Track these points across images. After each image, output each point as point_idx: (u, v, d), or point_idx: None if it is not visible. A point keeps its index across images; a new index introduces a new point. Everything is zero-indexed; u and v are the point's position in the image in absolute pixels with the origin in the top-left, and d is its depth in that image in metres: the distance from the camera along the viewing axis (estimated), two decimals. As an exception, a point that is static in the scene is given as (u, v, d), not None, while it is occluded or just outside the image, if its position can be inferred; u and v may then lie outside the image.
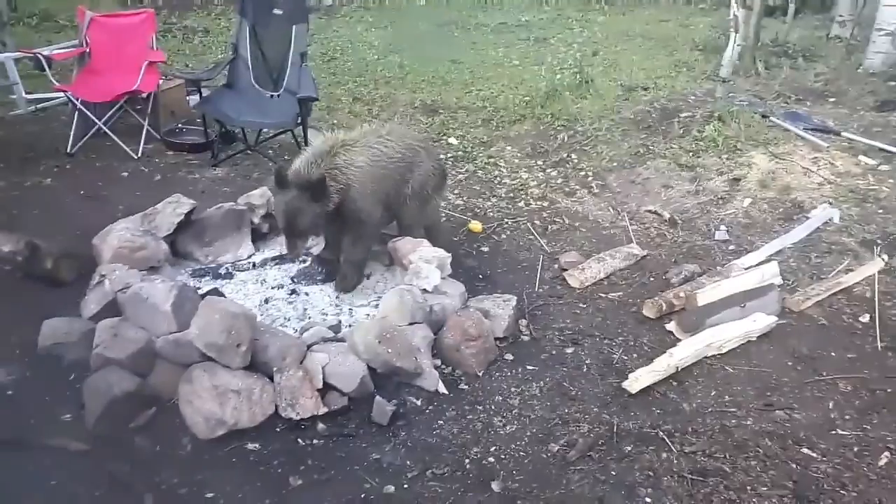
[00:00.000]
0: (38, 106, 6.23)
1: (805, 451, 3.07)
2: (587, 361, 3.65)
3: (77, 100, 5.43)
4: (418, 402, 3.27)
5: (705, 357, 3.65)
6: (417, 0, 13.26)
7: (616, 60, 9.06)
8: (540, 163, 6.10)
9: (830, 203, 5.16)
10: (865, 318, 4.02)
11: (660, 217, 5.22)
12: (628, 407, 3.33)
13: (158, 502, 2.63)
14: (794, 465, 2.98)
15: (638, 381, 3.41)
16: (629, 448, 3.07)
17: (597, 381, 3.51)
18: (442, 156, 6.12)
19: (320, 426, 3.05)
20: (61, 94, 5.69)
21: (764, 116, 6.42)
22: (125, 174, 5.25)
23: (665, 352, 3.60)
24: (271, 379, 3.10)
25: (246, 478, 2.79)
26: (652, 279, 4.45)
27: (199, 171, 5.40)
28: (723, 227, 5.04)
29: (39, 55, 5.52)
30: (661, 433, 3.14)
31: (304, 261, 4.17)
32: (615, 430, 3.17)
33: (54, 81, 5.51)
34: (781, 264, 4.44)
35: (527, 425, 3.19)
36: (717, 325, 3.81)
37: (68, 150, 5.40)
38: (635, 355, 3.72)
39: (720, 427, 3.19)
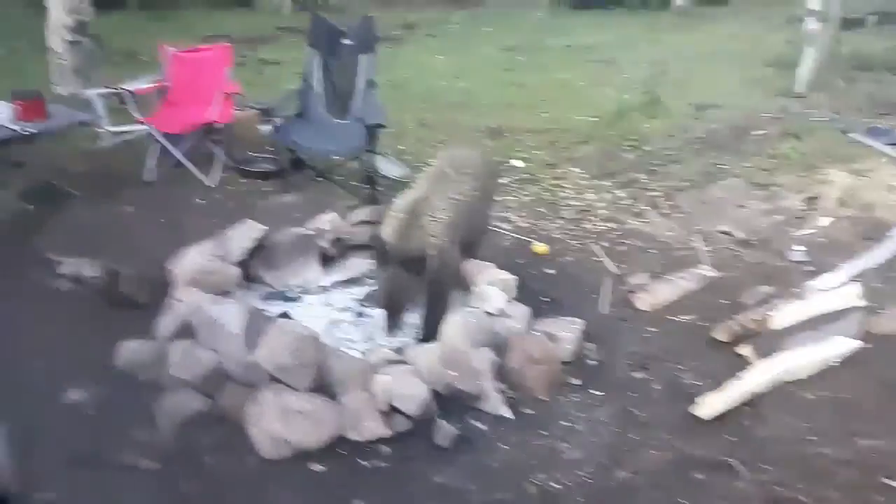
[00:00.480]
0: (122, 138, 6.54)
1: (891, 482, 2.88)
2: (656, 386, 3.55)
3: (157, 131, 5.70)
4: (482, 426, 3.23)
5: (781, 383, 3.49)
6: (483, 26, 13.40)
7: (686, 79, 8.90)
8: (607, 184, 6.03)
9: (918, 222, 4.89)
10: (958, 343, 3.77)
11: (733, 237, 5.07)
12: (699, 434, 3.21)
13: (225, 521, 2.69)
14: (879, 498, 2.80)
15: (709, 406, 3.29)
16: (700, 476, 2.96)
17: (666, 406, 3.41)
18: (506, 178, 6.13)
19: (384, 448, 3.06)
20: (143, 126, 5.97)
21: (843, 132, 6.17)
22: (200, 201, 5.45)
23: (738, 377, 3.47)
24: (336, 401, 3.13)
25: (310, 499, 2.82)
26: (725, 302, 4.30)
27: (270, 197, 5.57)
28: (800, 248, 4.84)
29: (124, 90, 5.83)
30: (734, 461, 3.01)
31: (371, 284, 4.22)
32: (685, 457, 3.06)
33: (136, 114, 5.80)
34: (863, 286, 4.22)
35: (593, 451, 3.12)
36: (795, 349, 3.65)
37: (148, 180, 5.65)
38: (707, 380, 3.59)
39: (797, 456, 3.04)
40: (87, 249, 4.34)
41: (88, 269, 3.98)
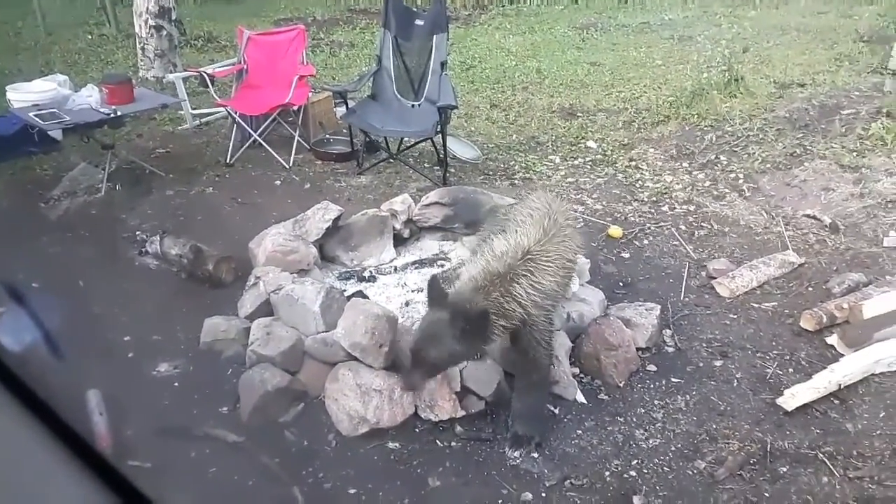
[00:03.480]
0: (202, 120, 6.74)
1: None
2: (737, 375, 3.45)
3: (235, 113, 5.84)
4: (556, 411, 3.22)
5: (872, 374, 3.34)
6: (556, 5, 13.15)
7: (769, 56, 8.54)
8: (685, 165, 5.85)
9: None
10: None
11: (819, 222, 4.85)
12: (784, 425, 3.11)
13: (305, 495, 2.75)
14: (982, 501, 2.66)
15: (795, 397, 3.17)
16: (784, 469, 2.87)
17: (748, 396, 3.31)
18: (579, 160, 6.02)
19: (458, 429, 3.08)
20: (222, 108, 6.13)
21: (943, 111, 5.81)
22: (278, 182, 5.57)
23: (826, 367, 3.34)
24: (412, 380, 3.16)
25: (387, 476, 2.86)
26: (811, 289, 4.13)
27: (345, 179, 5.63)
28: (893, 233, 4.59)
29: (204, 73, 5.99)
30: (822, 455, 2.91)
31: (443, 265, 4.24)
32: (769, 449, 2.97)
33: (216, 97, 5.96)
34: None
35: (671, 440, 3.06)
36: (887, 339, 3.48)
37: (227, 161, 5.80)
38: (791, 370, 3.47)
39: (891, 452, 2.90)
40: (171, 228, 4.50)
41: (174, 247, 4.13)
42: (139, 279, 4.14)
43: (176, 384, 3.31)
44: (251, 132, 5.89)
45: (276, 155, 5.79)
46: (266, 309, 3.55)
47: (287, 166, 5.76)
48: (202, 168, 5.75)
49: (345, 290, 3.83)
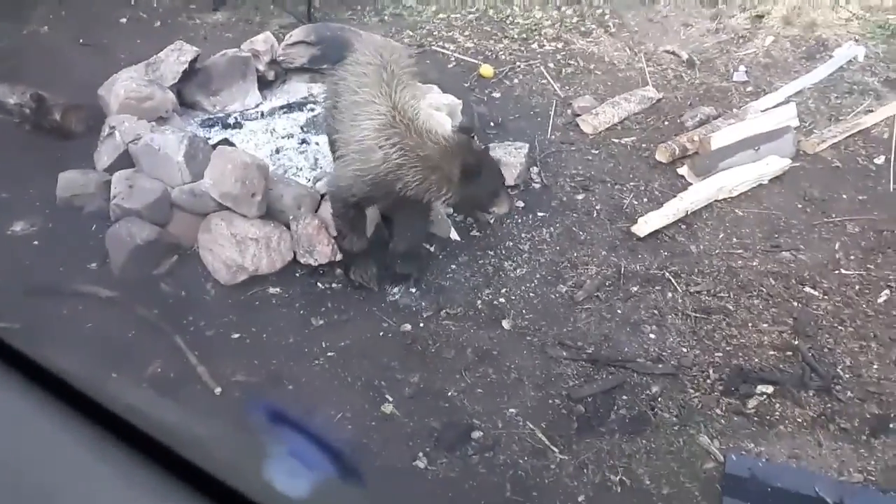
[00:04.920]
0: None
1: (807, 290, 3.17)
2: (597, 207, 3.69)
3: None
4: (431, 248, 3.35)
5: (716, 200, 3.68)
6: None
7: None
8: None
9: (856, 40, 4.95)
10: (880, 160, 3.99)
11: (677, 58, 5.04)
12: (636, 250, 3.41)
13: (187, 343, 2.79)
14: (795, 304, 3.09)
15: (647, 224, 3.46)
16: (635, 288, 3.18)
17: (606, 225, 3.57)
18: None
19: (338, 271, 3.16)
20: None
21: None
22: (123, 20, 5.06)
23: (676, 196, 3.63)
24: (288, 227, 3.17)
25: (269, 319, 2.94)
26: (666, 123, 4.38)
27: (199, 15, 5.19)
28: (742, 68, 4.87)
29: None
30: (668, 274, 3.24)
31: (313, 110, 4.12)
32: (622, 272, 3.27)
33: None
34: (800, 105, 4.33)
35: (536, 268, 3.30)
36: (730, 168, 3.80)
37: (61, -5, 5.17)
38: (646, 200, 3.75)
39: (726, 268, 3.28)
40: (5, 74, 4.05)
41: (11, 95, 3.74)
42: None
43: (36, 243, 3.15)
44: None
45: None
46: (125, 161, 3.36)
47: (132, 1, 5.22)
48: (32, 3, 5.10)
49: (209, 138, 3.68)
